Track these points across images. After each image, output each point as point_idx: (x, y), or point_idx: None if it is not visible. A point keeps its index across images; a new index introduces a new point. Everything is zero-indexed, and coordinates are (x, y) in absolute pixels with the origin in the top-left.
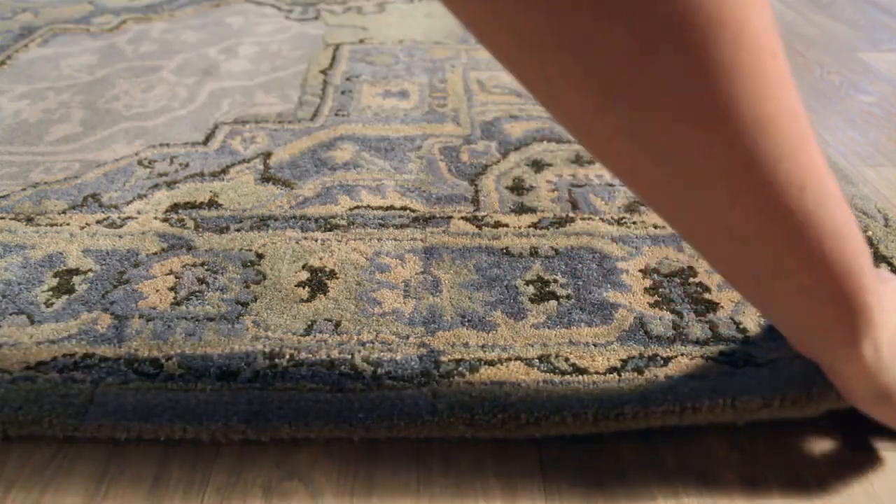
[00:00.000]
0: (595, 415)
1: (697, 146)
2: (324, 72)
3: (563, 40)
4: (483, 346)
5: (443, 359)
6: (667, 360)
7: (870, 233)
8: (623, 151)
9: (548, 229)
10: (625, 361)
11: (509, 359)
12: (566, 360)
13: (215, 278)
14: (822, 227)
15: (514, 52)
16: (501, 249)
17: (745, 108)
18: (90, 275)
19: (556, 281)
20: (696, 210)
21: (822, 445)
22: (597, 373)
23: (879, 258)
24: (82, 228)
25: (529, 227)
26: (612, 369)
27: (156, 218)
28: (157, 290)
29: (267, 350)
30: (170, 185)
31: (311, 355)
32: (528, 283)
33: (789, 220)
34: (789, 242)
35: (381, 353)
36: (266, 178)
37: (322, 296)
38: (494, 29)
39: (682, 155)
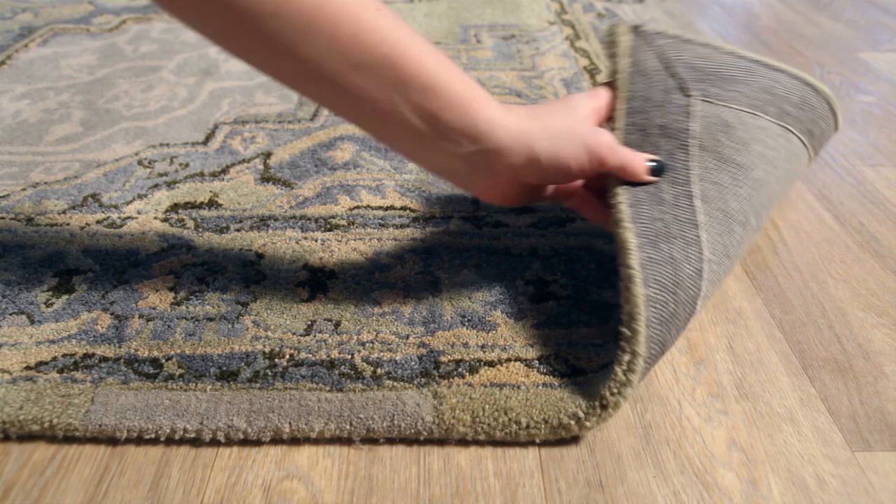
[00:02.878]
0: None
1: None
2: None
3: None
4: (483, 347)
5: (442, 359)
6: None
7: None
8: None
9: (547, 229)
10: None
11: (509, 359)
12: (565, 360)
13: (215, 278)
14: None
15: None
16: (501, 249)
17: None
18: (90, 275)
19: (555, 281)
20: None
21: (821, 445)
22: (596, 374)
23: None
24: (82, 228)
25: (529, 227)
26: None
27: (156, 218)
28: (157, 290)
29: (267, 350)
30: (170, 185)
31: (310, 355)
32: (527, 283)
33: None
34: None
35: (381, 353)
36: (266, 178)
37: (322, 296)
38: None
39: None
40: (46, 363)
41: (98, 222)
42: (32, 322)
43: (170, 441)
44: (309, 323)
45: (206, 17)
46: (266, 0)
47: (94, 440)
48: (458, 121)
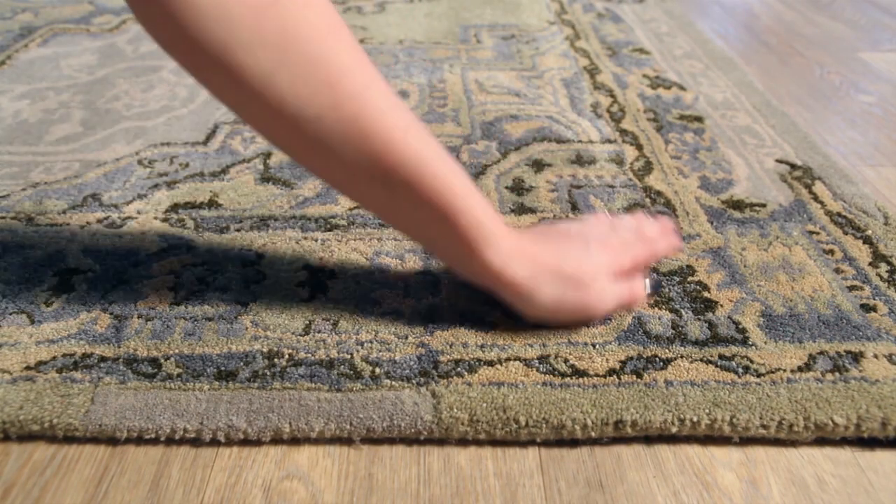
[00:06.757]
0: (594, 422)
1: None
2: None
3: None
4: (482, 346)
5: (441, 359)
6: (666, 363)
7: (869, 231)
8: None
9: None
10: (623, 363)
11: (508, 359)
12: (565, 360)
13: (215, 278)
14: (424, 158)
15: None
16: None
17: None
18: (90, 275)
19: None
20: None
21: (821, 445)
22: (596, 375)
23: (879, 257)
24: (82, 228)
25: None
26: (612, 371)
27: (156, 218)
28: (157, 290)
29: (265, 350)
30: (170, 184)
31: (309, 355)
32: None
33: (399, 154)
34: (405, 171)
35: (380, 353)
36: (266, 177)
37: (322, 296)
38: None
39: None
40: (46, 363)
41: (98, 222)
42: (32, 322)
43: (170, 441)
44: (307, 323)
45: (255, 116)
46: (309, 105)
47: (94, 440)
48: (461, 253)
